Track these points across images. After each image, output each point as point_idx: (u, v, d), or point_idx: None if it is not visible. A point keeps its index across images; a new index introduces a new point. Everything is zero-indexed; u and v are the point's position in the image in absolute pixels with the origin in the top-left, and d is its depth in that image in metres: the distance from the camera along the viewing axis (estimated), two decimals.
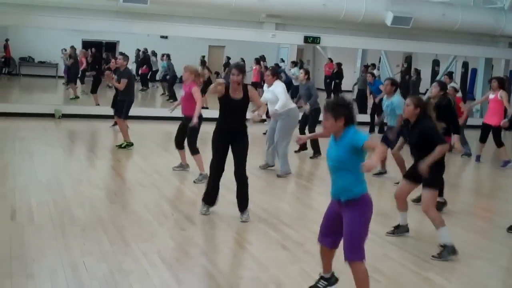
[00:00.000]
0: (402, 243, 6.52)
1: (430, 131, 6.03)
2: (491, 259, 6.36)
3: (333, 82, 25.02)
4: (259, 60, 22.35)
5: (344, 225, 4.51)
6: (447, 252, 6.03)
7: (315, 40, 17.22)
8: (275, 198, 8.28)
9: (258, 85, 19.54)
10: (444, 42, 18.74)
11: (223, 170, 7.06)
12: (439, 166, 6.26)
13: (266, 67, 20.18)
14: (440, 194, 7.93)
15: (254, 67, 21.55)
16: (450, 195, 8.30)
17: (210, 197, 7.17)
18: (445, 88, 7.98)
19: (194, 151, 9.11)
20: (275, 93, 9.53)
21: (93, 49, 23.37)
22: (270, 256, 5.96)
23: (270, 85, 9.66)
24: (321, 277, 5.02)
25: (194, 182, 8.84)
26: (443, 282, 5.54)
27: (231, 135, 6.92)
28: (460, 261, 6.14)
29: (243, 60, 22.02)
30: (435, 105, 6.78)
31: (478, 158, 12.35)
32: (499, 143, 11.90)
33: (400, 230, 6.75)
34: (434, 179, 6.18)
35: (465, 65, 22.30)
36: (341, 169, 4.49)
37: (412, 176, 6.41)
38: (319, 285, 5.00)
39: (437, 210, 6.39)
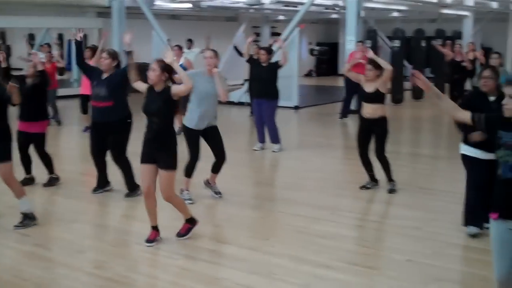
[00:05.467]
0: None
1: None
2: (89, 220, 6.89)
3: None
4: None
5: None
6: (29, 219, 6.38)
7: None
8: None
9: None
10: (36, 15, 18.66)
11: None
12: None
13: None
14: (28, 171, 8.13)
15: None
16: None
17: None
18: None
19: None
20: None
21: None
22: None
23: None
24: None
25: None
26: (43, 252, 5.81)
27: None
28: (61, 227, 6.56)
29: None
30: None
31: None
32: None
33: None
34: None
35: (60, 36, 22.69)
36: None
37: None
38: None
39: (18, 182, 6.51)
